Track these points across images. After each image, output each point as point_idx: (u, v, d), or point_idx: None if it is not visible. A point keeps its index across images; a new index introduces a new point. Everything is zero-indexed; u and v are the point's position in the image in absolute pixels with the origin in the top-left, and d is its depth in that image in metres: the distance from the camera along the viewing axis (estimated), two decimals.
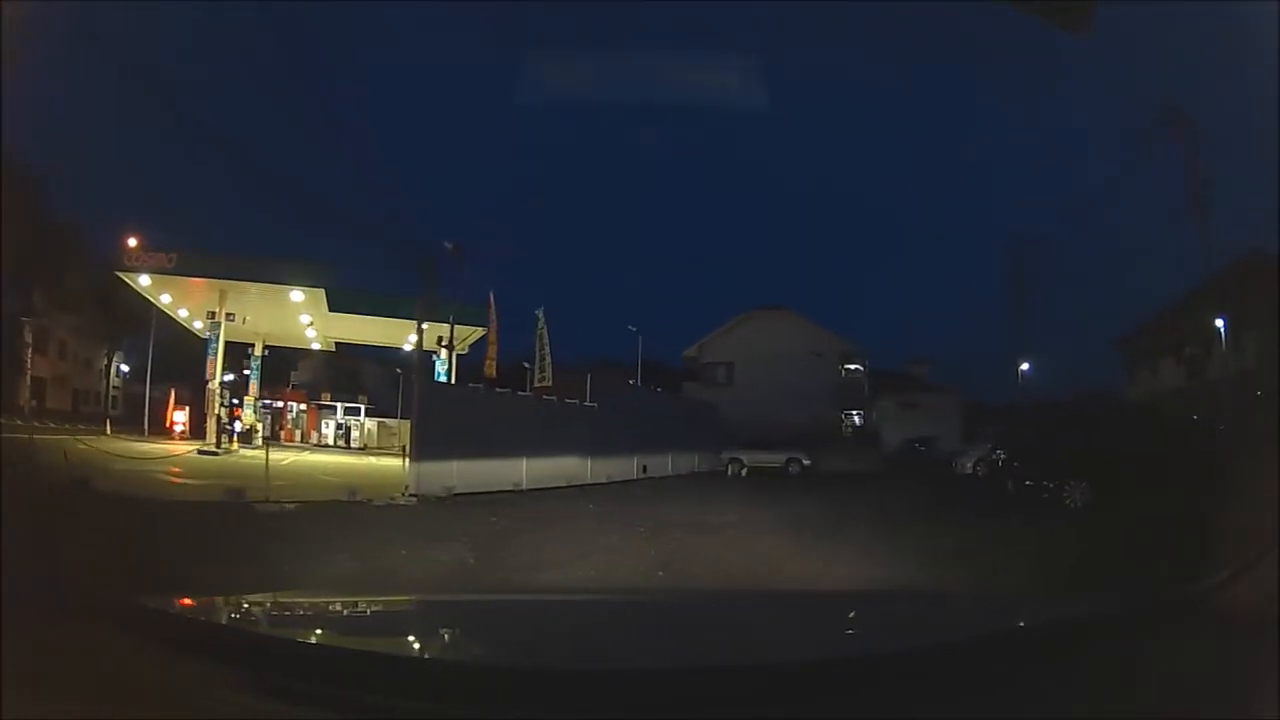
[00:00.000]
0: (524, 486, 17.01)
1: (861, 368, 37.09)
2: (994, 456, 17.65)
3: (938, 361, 44.27)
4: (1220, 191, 23.85)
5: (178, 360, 28.96)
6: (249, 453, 20.95)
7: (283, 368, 37.62)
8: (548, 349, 19.46)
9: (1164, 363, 29.77)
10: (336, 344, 33.62)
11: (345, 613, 2.13)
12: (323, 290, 23.74)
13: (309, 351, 35.48)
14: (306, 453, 25.47)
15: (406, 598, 3.10)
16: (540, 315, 20.02)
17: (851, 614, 2.28)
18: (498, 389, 19.67)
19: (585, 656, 1.57)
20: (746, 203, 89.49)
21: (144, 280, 23.30)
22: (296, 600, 2.40)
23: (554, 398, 20.43)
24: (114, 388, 43.65)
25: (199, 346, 25.92)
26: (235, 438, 23.64)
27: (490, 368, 20.04)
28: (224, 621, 1.65)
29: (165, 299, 25.15)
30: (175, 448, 20.88)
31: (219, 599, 2.02)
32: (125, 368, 43.70)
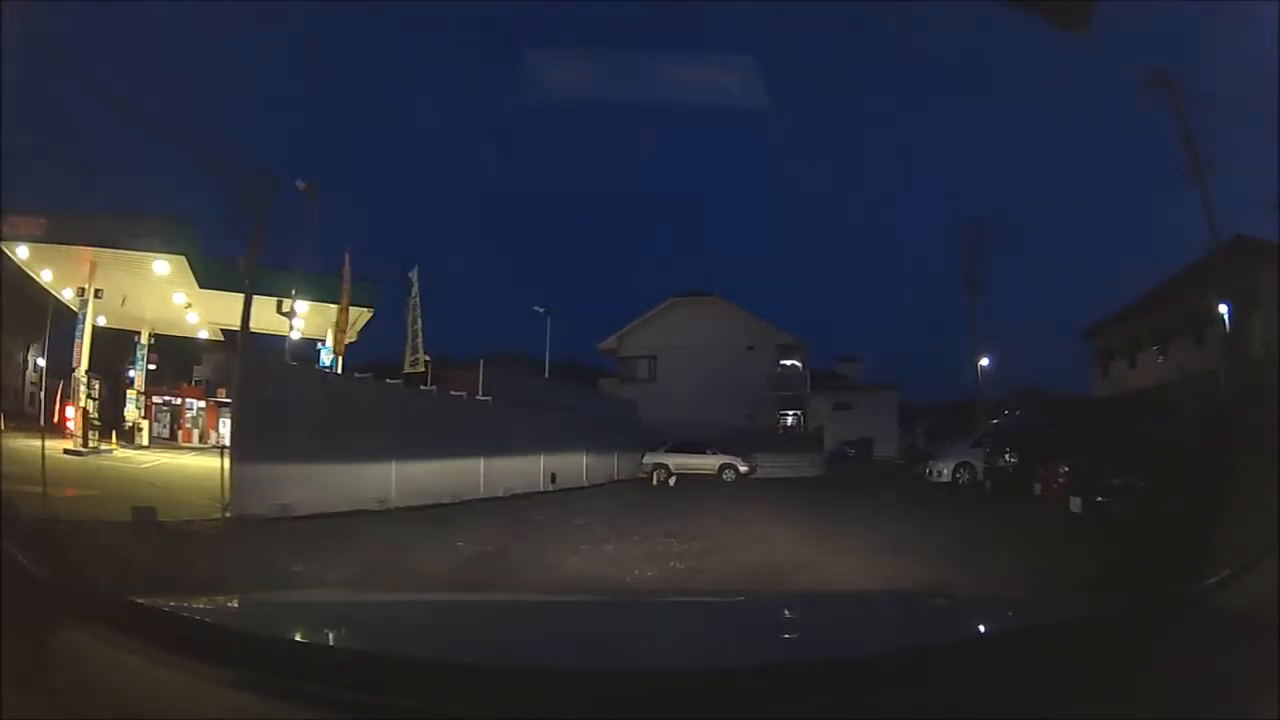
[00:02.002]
0: (392, 503, 12.88)
1: (799, 363, 33.57)
2: (1003, 461, 14.08)
3: (864, 359, 43.14)
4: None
5: (94, 352, 24.54)
6: (126, 453, 18.36)
7: (187, 361, 33.69)
8: (420, 323, 14.76)
9: (1144, 354, 27.54)
10: (224, 331, 28.36)
11: (345, 613, 2.11)
12: (184, 258, 18.85)
13: (212, 343, 30.29)
14: (190, 454, 21.36)
15: (406, 598, 3.12)
16: (413, 278, 15.34)
17: (852, 614, 2.24)
18: (358, 374, 14.98)
19: (585, 657, 1.57)
20: (668, 180, 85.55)
21: (22, 253, 18.79)
22: (296, 600, 2.46)
23: (434, 389, 15.84)
24: (31, 383, 37.59)
25: (109, 337, 22.65)
26: (115, 436, 20.65)
27: (339, 342, 15.15)
28: (224, 621, 1.65)
29: (47, 275, 20.45)
30: (55, 445, 16.81)
31: (219, 599, 2.16)
32: (41, 361, 37.30)
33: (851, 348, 42.98)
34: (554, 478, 19.12)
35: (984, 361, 30.37)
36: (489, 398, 16.96)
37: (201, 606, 1.83)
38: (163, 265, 19.02)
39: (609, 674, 1.28)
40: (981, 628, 1.85)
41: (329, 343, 21.76)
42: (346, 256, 16.34)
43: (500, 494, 16.06)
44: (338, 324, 15.45)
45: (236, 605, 2.02)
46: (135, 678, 1.23)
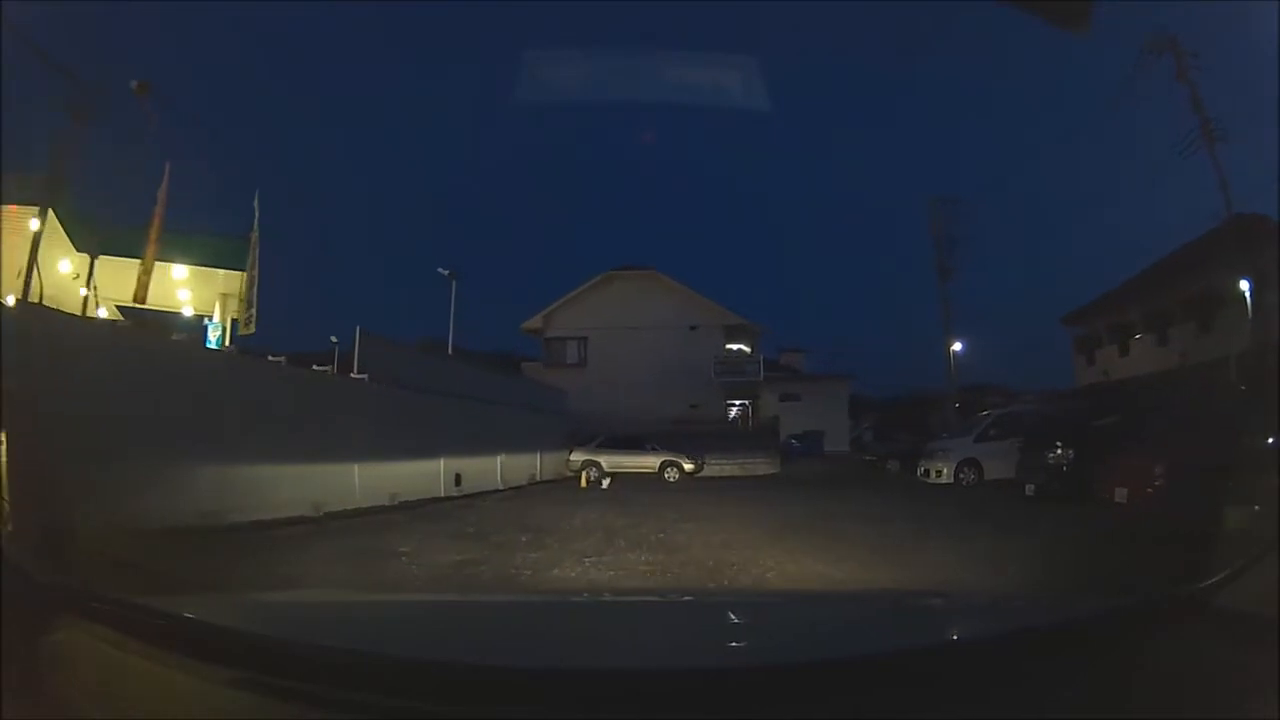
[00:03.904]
0: (227, 518, 9.10)
1: (749, 347, 30.09)
2: (1055, 458, 10.80)
3: (809, 350, 41.58)
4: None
5: None
6: None
7: None
8: (258, 269, 10.58)
9: (1141, 341, 25.29)
10: (121, 309, 23.73)
11: (345, 613, 2.08)
12: (50, 210, 14.21)
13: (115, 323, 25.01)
14: None
15: (406, 598, 3.18)
16: (255, 208, 11.18)
17: (851, 614, 2.19)
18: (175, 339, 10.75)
19: (585, 656, 1.52)
20: (606, 155, 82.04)
21: None
22: (296, 600, 2.43)
23: (282, 359, 11.72)
24: None
25: None
26: None
27: (141, 286, 10.84)
28: (224, 621, 1.53)
29: None
30: None
31: (219, 599, 2.25)
32: None
33: (792, 338, 41.01)
34: (459, 479, 15.32)
35: (957, 346, 27.72)
36: (365, 376, 12.85)
37: (201, 606, 1.78)
38: (35, 222, 14.43)
39: (607, 673, 1.23)
40: (981, 628, 1.81)
41: (215, 316, 17.62)
42: (166, 169, 11.89)
43: (384, 502, 12.31)
44: (144, 264, 11.02)
45: (236, 605, 2.00)
46: (135, 678, 1.24)
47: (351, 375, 12.94)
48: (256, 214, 11.26)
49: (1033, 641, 1.36)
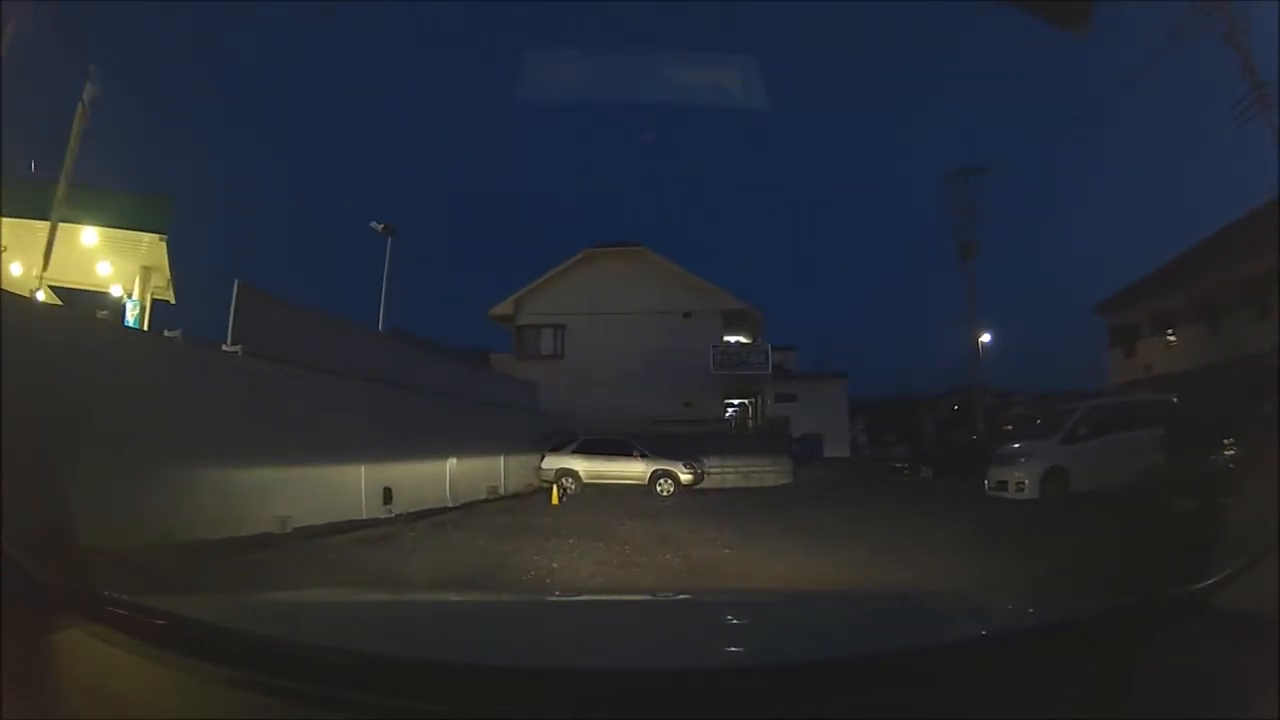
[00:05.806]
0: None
1: (752, 337, 26.44)
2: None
3: (799, 349, 39.70)
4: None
5: None
6: None
7: None
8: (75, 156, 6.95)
9: (1191, 329, 22.69)
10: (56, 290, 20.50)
11: (345, 613, 2.07)
12: None
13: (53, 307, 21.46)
14: None
15: (406, 598, 3.16)
16: (85, 98, 7.44)
17: (851, 614, 2.16)
18: None
19: (585, 656, 1.53)
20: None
21: None
22: (297, 600, 2.40)
23: (105, 313, 8.06)
24: None
25: None
26: None
27: None
28: (224, 621, 1.49)
29: None
30: None
31: (219, 599, 2.24)
32: None
33: (781, 336, 38.27)
34: (388, 495, 11.58)
35: (986, 338, 24.87)
36: (238, 348, 9.01)
37: (201, 606, 1.76)
38: None
39: (607, 674, 1.23)
40: (982, 628, 1.80)
41: (135, 293, 13.98)
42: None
43: (271, 529, 8.69)
44: None
45: (236, 605, 2.01)
46: (135, 678, 1.22)
47: (225, 348, 9.13)
48: (85, 104, 7.46)
49: (1033, 642, 1.36)
